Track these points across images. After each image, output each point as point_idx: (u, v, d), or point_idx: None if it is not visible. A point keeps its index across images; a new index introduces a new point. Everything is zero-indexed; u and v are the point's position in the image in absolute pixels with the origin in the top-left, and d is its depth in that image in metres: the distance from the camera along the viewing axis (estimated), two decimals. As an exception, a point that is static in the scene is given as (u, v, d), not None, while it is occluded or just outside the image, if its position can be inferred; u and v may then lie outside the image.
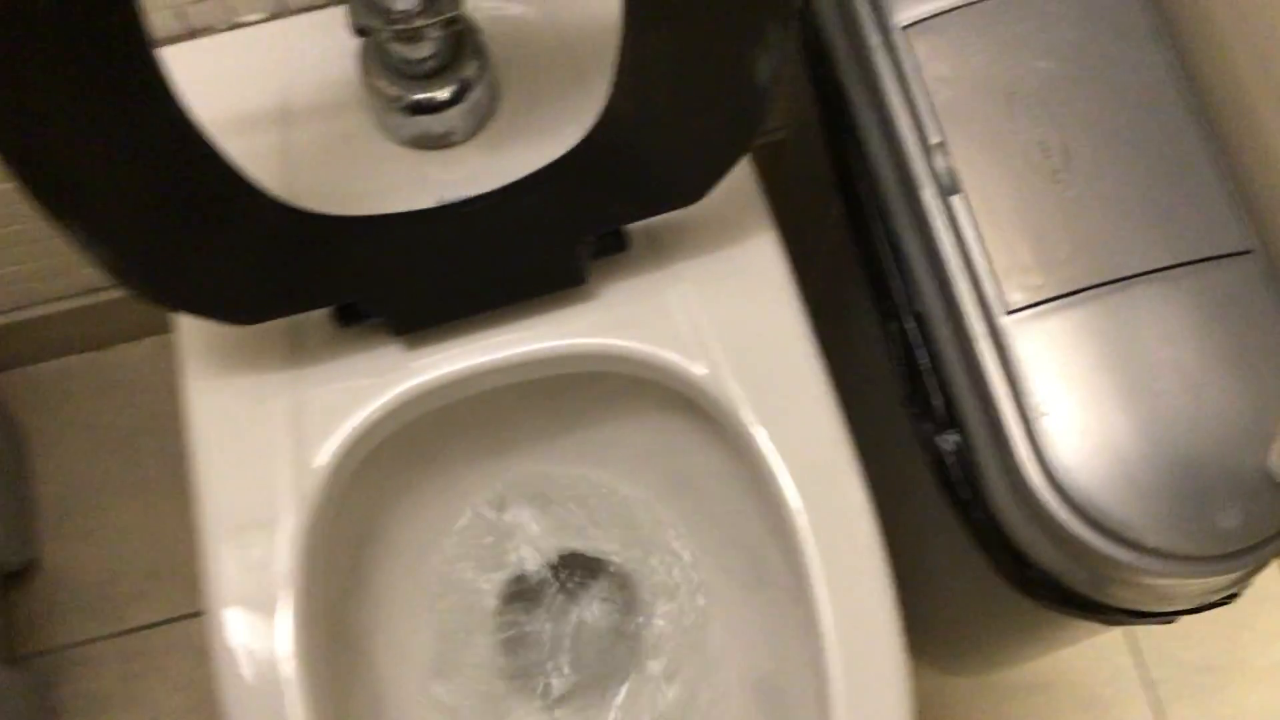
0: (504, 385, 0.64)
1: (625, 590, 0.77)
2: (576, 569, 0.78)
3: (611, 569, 0.77)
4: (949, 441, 0.59)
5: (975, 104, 0.57)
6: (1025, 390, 0.53)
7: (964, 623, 0.80)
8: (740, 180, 0.63)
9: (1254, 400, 0.52)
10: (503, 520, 0.77)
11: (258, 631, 0.57)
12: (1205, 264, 0.54)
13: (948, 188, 0.56)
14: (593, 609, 0.77)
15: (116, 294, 0.99)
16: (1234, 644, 1.00)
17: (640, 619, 0.76)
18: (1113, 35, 0.57)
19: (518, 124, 0.64)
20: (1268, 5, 0.53)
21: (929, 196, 0.57)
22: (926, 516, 0.69)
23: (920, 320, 0.60)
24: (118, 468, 1.03)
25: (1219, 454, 0.51)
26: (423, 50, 0.59)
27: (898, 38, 0.59)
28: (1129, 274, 0.54)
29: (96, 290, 0.98)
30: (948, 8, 0.58)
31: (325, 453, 0.59)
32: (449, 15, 0.56)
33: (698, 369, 0.61)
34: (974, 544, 0.60)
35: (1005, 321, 0.54)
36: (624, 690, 0.75)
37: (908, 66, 0.58)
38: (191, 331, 0.61)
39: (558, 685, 0.76)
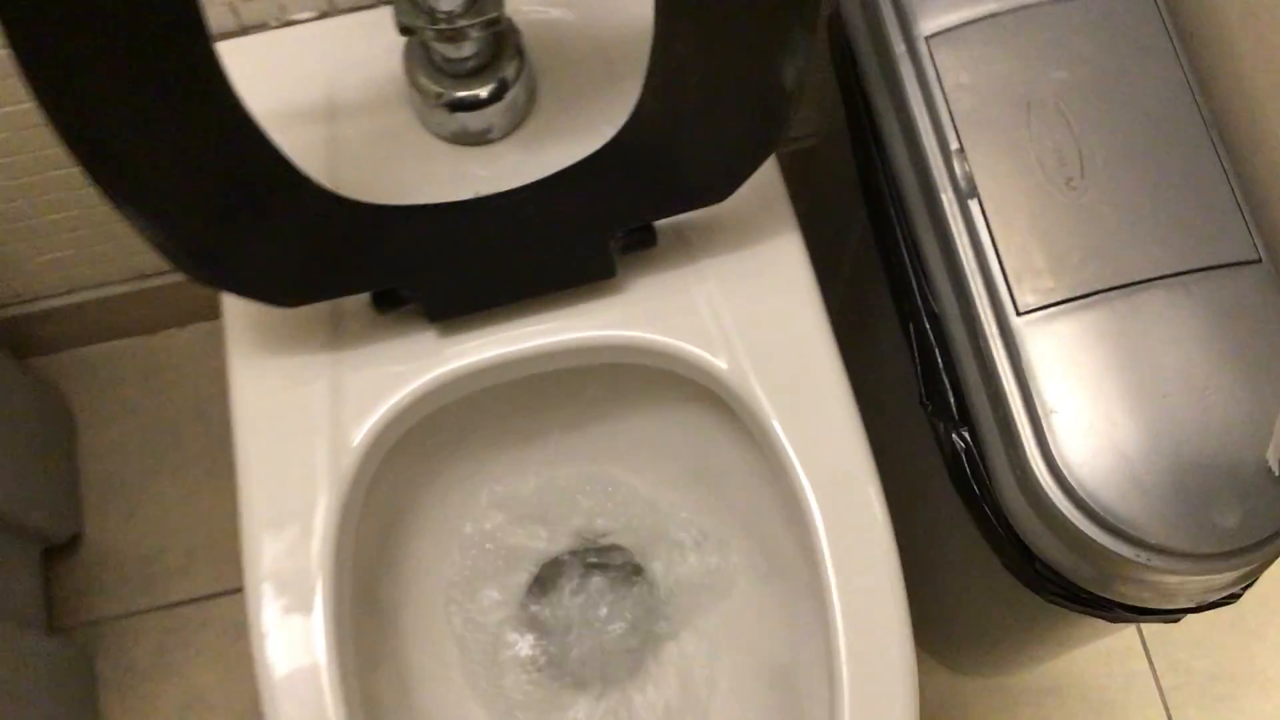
0: (532, 375, 0.65)
1: (643, 579, 0.78)
2: (596, 557, 0.79)
3: (630, 557, 0.79)
4: (962, 438, 0.60)
5: (994, 112, 0.58)
6: (1035, 389, 0.55)
7: (975, 620, 0.82)
8: (766, 182, 0.65)
9: (1256, 404, 0.53)
10: (526, 507, 0.78)
11: (294, 592, 0.59)
12: (1213, 271, 0.55)
13: (965, 192, 0.58)
14: (611, 596, 0.79)
15: (165, 281, 1.01)
16: (1247, 654, 1.00)
17: (658, 606, 0.78)
18: (1129, 48, 0.58)
19: (553, 122, 0.66)
20: (1282, 22, 0.54)
21: (947, 200, 0.58)
22: (940, 514, 0.70)
23: (937, 320, 0.61)
24: (161, 448, 1.06)
25: (1221, 455, 0.53)
26: (464, 50, 0.61)
27: (921, 47, 0.60)
28: (1138, 279, 0.55)
29: (146, 277, 1.01)
30: (970, 19, 0.60)
31: (361, 432, 0.61)
32: (490, 16, 0.58)
33: (720, 363, 0.63)
34: (984, 539, 0.61)
35: (1017, 322, 0.56)
36: (643, 675, 0.76)
37: (930, 75, 0.60)
38: (238, 314, 0.63)
39: (577, 669, 0.77)
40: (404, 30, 0.59)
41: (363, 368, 0.63)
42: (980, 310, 0.57)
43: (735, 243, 0.65)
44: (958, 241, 0.58)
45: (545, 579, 0.79)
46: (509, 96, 0.64)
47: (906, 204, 0.63)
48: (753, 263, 0.64)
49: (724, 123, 0.58)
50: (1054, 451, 0.54)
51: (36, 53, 0.46)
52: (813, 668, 0.62)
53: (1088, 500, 0.53)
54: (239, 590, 0.60)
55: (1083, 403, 0.54)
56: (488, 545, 0.78)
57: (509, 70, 0.63)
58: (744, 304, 0.63)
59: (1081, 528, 0.54)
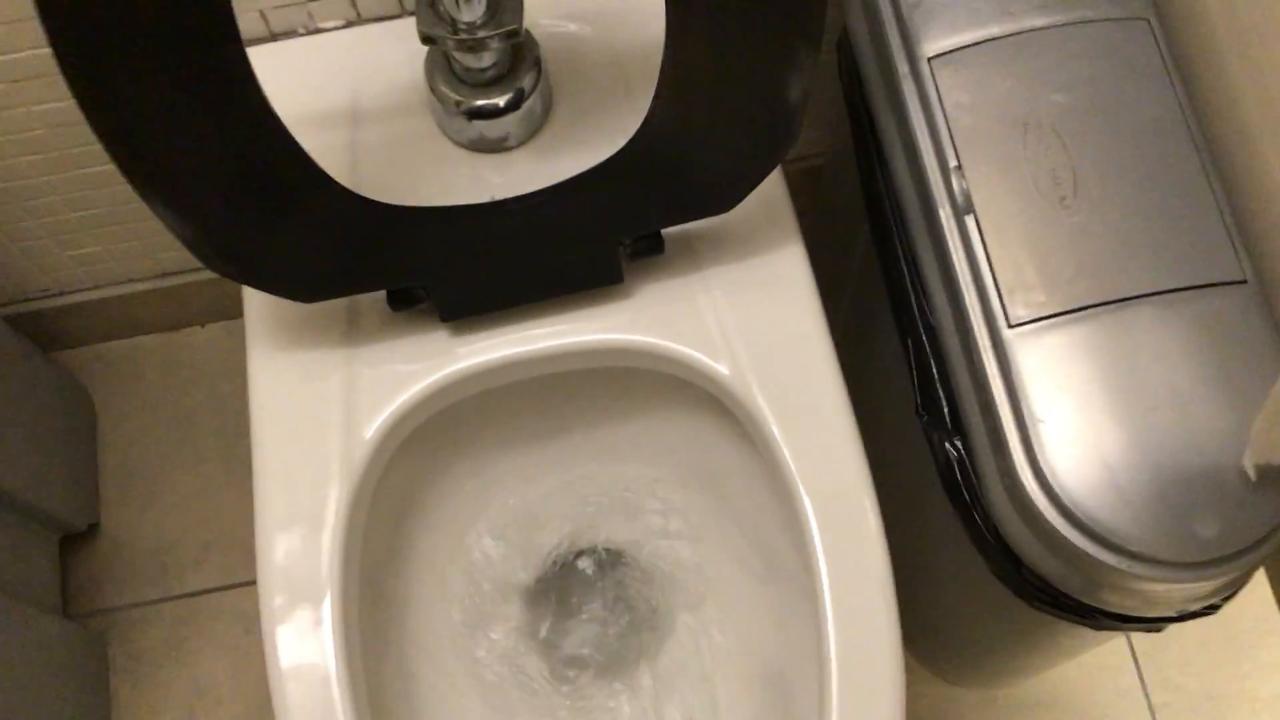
0: (540, 376, 0.67)
1: (644, 579, 0.80)
2: (599, 557, 0.81)
3: (632, 558, 0.80)
4: (954, 447, 0.62)
5: (992, 131, 0.60)
6: (1024, 399, 0.56)
7: (967, 628, 0.83)
8: (772, 195, 0.67)
9: (1237, 420, 0.54)
10: (530, 507, 0.80)
11: (305, 585, 0.61)
12: (1200, 290, 0.57)
13: (963, 208, 0.60)
14: (613, 595, 0.80)
15: (187, 279, 1.03)
16: (1237, 674, 1.01)
17: (658, 607, 0.79)
18: (1125, 72, 0.60)
19: (568, 132, 0.68)
20: (1273, 48, 0.56)
21: (945, 215, 0.60)
22: (934, 523, 0.72)
23: (933, 332, 0.63)
24: (179, 442, 1.08)
25: (1202, 468, 0.54)
26: (484, 60, 0.63)
27: (924, 68, 0.62)
28: (1127, 296, 0.57)
29: (169, 275, 1.03)
30: (972, 42, 0.62)
31: (373, 427, 0.63)
32: (510, 28, 0.60)
33: (722, 368, 0.64)
34: (974, 547, 0.63)
35: (1009, 334, 0.57)
36: (643, 673, 0.78)
37: (932, 95, 0.61)
38: (259, 309, 0.66)
39: (580, 666, 0.79)
40: (426, 40, 0.61)
41: (376, 364, 0.64)
42: (973, 322, 0.58)
43: (741, 253, 0.66)
44: (954, 255, 0.60)
45: (548, 578, 0.81)
46: (526, 106, 0.66)
47: (907, 218, 0.65)
48: (757, 273, 0.66)
49: (731, 135, 0.60)
50: (1041, 460, 0.55)
51: (77, 56, 0.48)
52: (805, 670, 0.64)
53: (1072, 508, 0.55)
54: (251, 583, 0.62)
55: (1070, 413, 0.56)
56: (494, 542, 0.79)
57: (526, 81, 0.65)
58: (747, 312, 0.65)
59: (1066, 534, 0.55)
